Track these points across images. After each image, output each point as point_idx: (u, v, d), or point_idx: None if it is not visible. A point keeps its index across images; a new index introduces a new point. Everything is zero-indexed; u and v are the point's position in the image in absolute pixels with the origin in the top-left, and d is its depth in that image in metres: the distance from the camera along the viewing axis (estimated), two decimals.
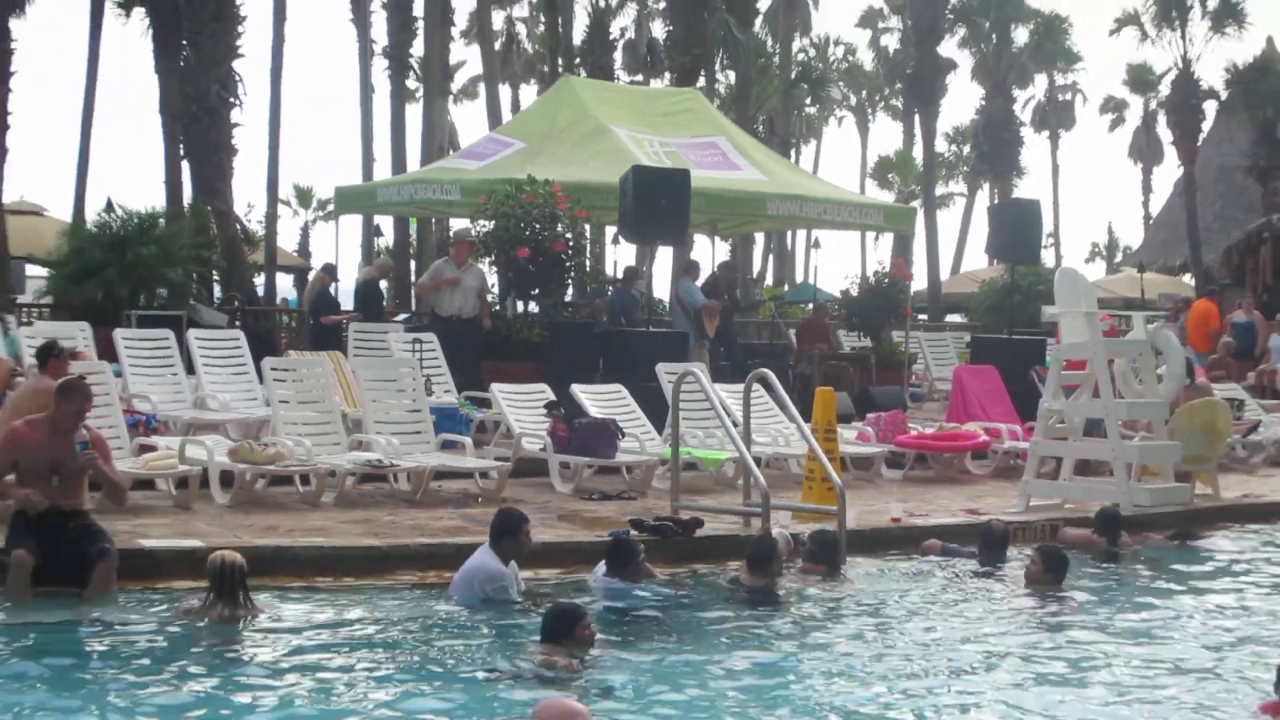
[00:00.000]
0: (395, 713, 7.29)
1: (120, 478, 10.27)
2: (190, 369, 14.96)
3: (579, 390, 14.90)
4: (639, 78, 47.10)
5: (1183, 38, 46.32)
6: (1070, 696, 7.78)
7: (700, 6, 43.19)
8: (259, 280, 32.86)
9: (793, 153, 57.71)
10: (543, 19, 49.32)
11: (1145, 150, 67.66)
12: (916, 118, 51.87)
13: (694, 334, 19.34)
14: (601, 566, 10.01)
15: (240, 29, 31.05)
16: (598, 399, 14.85)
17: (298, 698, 7.50)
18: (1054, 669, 8.33)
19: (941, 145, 61.00)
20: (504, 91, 47.46)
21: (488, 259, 18.16)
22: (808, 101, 62.80)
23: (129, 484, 11.03)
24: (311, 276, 28.76)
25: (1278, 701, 6.74)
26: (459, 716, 7.05)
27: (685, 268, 21.90)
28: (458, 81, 58.87)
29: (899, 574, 11.26)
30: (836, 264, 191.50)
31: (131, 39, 31.88)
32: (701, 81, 42.46)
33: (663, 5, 47.04)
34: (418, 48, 38.78)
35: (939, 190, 62.67)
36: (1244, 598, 10.94)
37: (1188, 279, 45.09)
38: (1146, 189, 68.30)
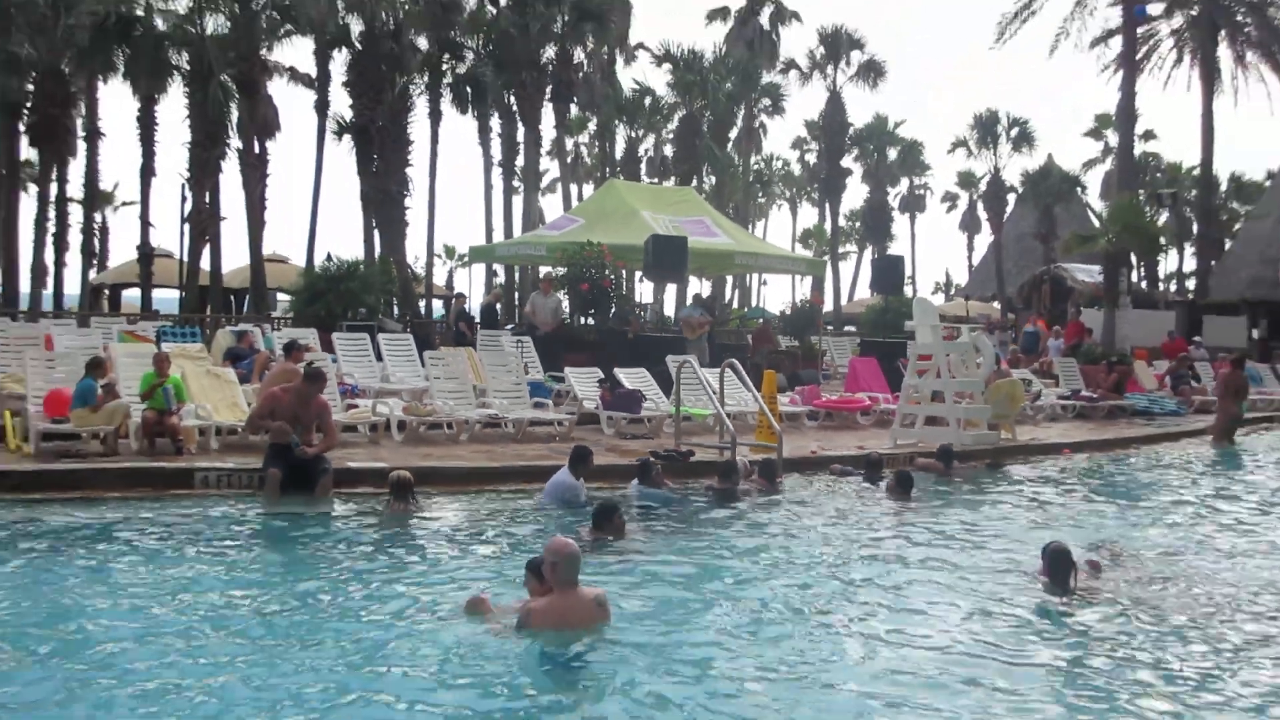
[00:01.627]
0: (502, 566, 7.29)
1: (336, 436, 9.90)
2: (379, 357, 14.99)
3: (618, 371, 14.85)
4: (656, 180, 46.89)
5: (994, 154, 46.84)
6: (915, 568, 7.72)
7: (694, 136, 43.14)
8: (422, 304, 32.95)
9: (750, 226, 57.38)
10: (597, 144, 49.09)
11: (969, 224, 66.67)
12: (827, 205, 51.34)
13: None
14: (635, 481, 10.01)
15: (410, 149, 31.21)
16: (630, 377, 14.79)
17: (443, 558, 7.54)
18: (905, 551, 8.22)
19: (843, 222, 60.08)
20: (573, 188, 47.19)
21: (563, 291, 18.18)
22: (759, 195, 62.64)
23: (340, 429, 11.05)
24: (453, 302, 28.88)
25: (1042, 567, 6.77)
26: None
27: (691, 299, 21.83)
28: (544, 182, 58.63)
29: (814, 485, 11.22)
30: (777, 294, 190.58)
31: (342, 153, 32.04)
32: (694, 182, 42.36)
33: (671, 136, 46.94)
34: (519, 161, 38.72)
35: (840, 250, 62.02)
36: (1031, 503, 10.89)
37: (995, 304, 44.98)
38: (970, 248, 67.22)
